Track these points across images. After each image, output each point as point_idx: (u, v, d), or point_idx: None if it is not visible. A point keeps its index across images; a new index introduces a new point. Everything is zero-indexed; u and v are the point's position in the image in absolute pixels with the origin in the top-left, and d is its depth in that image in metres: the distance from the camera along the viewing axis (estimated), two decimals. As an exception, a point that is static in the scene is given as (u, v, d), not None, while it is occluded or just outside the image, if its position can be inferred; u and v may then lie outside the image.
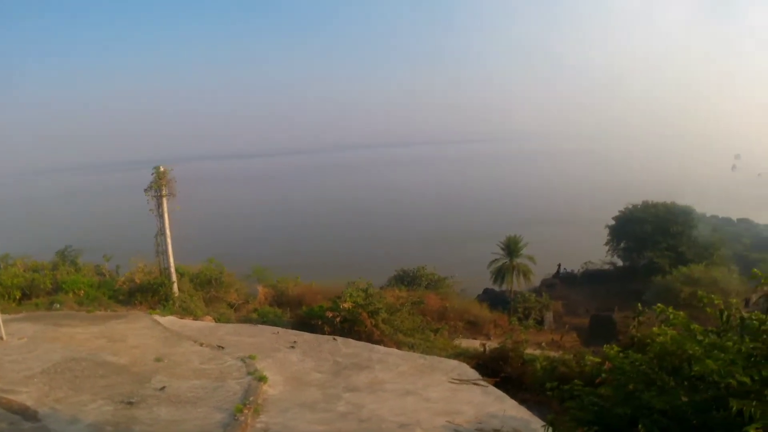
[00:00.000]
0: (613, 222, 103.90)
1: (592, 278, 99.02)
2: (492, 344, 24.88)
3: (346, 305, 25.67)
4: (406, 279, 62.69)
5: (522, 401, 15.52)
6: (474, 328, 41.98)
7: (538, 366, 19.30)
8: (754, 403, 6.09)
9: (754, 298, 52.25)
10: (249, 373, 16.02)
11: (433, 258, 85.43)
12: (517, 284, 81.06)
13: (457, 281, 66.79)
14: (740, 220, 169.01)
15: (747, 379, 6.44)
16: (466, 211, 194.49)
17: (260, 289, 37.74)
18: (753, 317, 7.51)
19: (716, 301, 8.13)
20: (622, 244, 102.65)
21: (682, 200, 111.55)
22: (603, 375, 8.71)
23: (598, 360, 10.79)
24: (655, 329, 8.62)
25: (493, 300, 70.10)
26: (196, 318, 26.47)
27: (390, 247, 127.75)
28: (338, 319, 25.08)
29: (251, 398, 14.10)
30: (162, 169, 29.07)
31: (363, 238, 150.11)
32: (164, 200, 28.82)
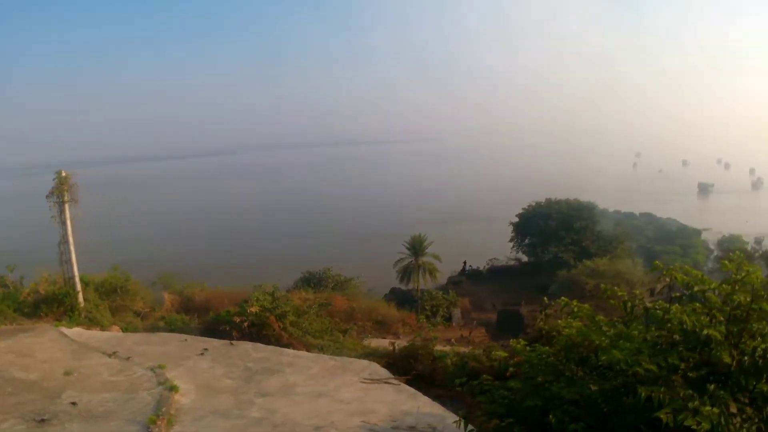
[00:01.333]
0: (517, 219, 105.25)
1: (497, 274, 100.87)
2: (401, 343, 24.91)
3: (253, 309, 25.50)
4: (312, 281, 62.98)
5: (435, 397, 15.58)
6: (383, 327, 42.09)
7: (449, 362, 19.44)
8: (662, 389, 6.26)
9: (658, 287, 53.50)
10: (160, 383, 15.78)
11: (339, 259, 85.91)
12: (423, 282, 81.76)
13: (364, 281, 67.21)
14: (642, 215, 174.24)
15: (654, 367, 6.63)
16: (372, 212, 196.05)
17: (166, 296, 37.25)
18: (657, 307, 7.71)
19: (619, 293, 8.31)
20: (526, 241, 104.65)
21: (587, 197, 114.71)
22: (511, 369, 8.84)
23: (505, 354, 10.88)
24: (560, 322, 8.79)
25: (401, 299, 70.71)
26: (103, 328, 25.92)
27: (296, 250, 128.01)
28: (246, 324, 24.92)
29: (163, 409, 13.88)
30: (64, 174, 28.31)
31: (270, 240, 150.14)
32: (66, 207, 28.07)
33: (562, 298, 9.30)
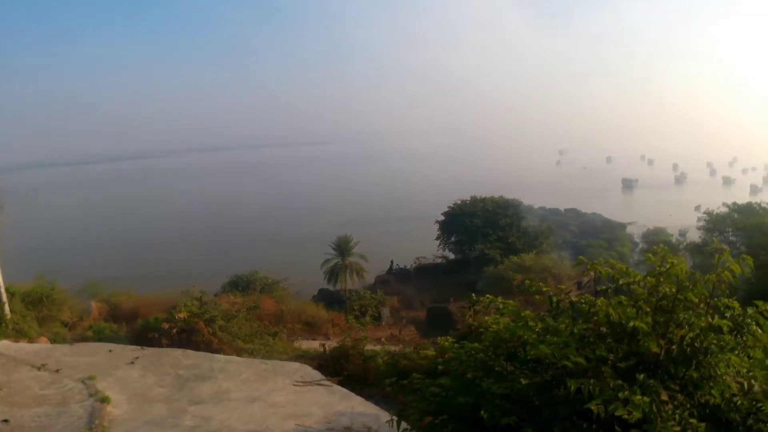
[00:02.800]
0: (442, 218, 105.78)
1: (425, 272, 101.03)
2: (332, 344, 24.93)
3: (181, 315, 25.34)
4: (240, 284, 62.48)
5: (368, 397, 15.66)
6: (312, 329, 42.03)
7: (380, 361, 19.51)
8: (592, 381, 6.38)
9: (585, 281, 54.17)
10: (91, 395, 15.59)
11: (266, 262, 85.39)
12: (351, 282, 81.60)
13: (292, 283, 67.09)
14: (568, 210, 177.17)
15: (582, 360, 6.74)
16: (298, 215, 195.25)
17: (94, 304, 36.71)
18: (582, 300, 7.85)
19: (544, 288, 8.31)
20: (452, 239, 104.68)
21: (513, 194, 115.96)
22: (440, 367, 8.88)
23: (433, 353, 10.97)
24: (488, 318, 8.83)
25: (329, 299, 70.61)
26: (30, 340, 25.45)
27: (223, 254, 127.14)
28: (175, 331, 24.75)
29: (96, 421, 13.72)
30: (-15, 178, 27.78)
31: (196, 245, 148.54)
32: (-12, 213, 27.46)
33: (488, 295, 9.36)
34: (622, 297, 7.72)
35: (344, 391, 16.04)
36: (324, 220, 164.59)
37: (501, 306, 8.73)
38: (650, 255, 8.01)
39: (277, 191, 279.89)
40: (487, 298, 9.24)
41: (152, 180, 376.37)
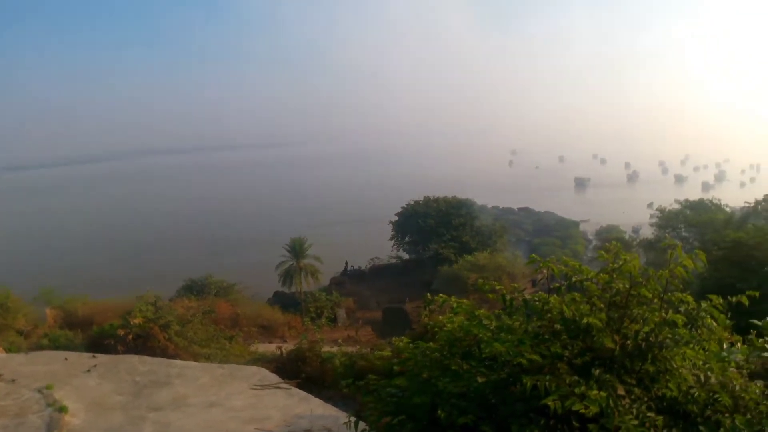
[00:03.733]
0: (396, 218, 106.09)
1: (380, 273, 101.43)
2: (288, 346, 24.97)
3: (136, 321, 25.28)
4: (195, 288, 62.36)
5: (327, 399, 15.70)
6: (268, 331, 42.12)
7: (337, 363, 19.56)
8: (548, 377, 6.43)
9: (539, 278, 54.68)
10: (48, 405, 15.42)
11: (221, 265, 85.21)
12: (306, 284, 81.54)
13: (247, 286, 67.02)
14: (521, 209, 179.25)
15: (537, 357, 6.80)
16: (252, 217, 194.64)
17: (48, 312, 36.48)
18: (536, 298, 7.89)
19: (497, 287, 8.28)
20: (406, 239, 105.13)
21: (467, 194, 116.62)
22: (395, 367, 8.75)
23: (389, 353, 11.00)
24: (441, 317, 8.86)
25: (285, 302, 70.67)
26: (-15, 351, 25.30)
27: (177, 258, 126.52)
28: (130, 337, 24.66)
29: (55, 431, 13.70)
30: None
31: (149, 249, 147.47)
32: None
33: (440, 295, 9.34)
34: (575, 294, 7.80)
35: (303, 393, 16.05)
36: (281, 222, 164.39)
37: (455, 305, 8.75)
38: (603, 252, 8.14)
39: (234, 194, 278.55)
40: (441, 297, 9.24)
41: (110, 184, 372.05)
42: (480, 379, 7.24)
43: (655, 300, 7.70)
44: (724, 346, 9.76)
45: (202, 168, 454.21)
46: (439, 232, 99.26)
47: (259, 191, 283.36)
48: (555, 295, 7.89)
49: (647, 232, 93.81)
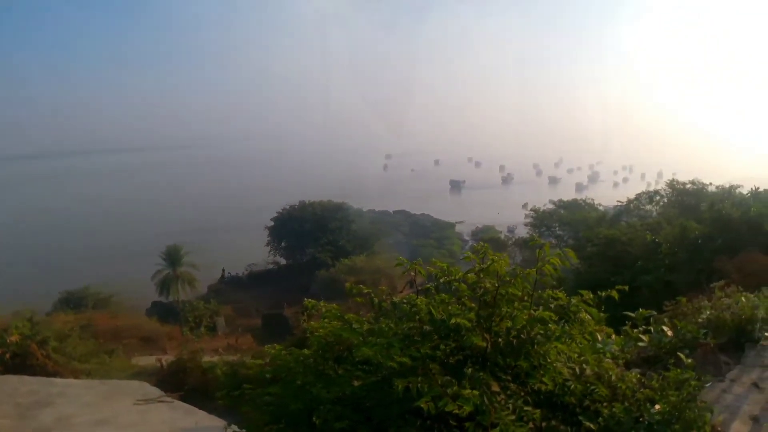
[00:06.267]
0: (272, 223, 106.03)
1: (258, 279, 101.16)
2: (169, 358, 24.79)
3: (13, 339, 24.63)
4: (72, 301, 61.11)
5: (212, 410, 15.54)
6: (149, 343, 41.44)
7: (219, 372, 19.50)
8: (419, 378, 6.46)
9: (418, 280, 55.23)
10: (-70, 437, 15.09)
11: (99, 275, 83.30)
12: (183, 293, 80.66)
13: (126, 297, 65.96)
14: (397, 212, 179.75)
15: (406, 359, 6.81)
16: (130, 224, 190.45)
17: None
18: (404, 300, 7.99)
19: (365, 290, 8.48)
20: (283, 244, 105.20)
21: (343, 198, 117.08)
22: (267, 375, 8.64)
23: (261, 361, 11.01)
24: (313, 323, 8.88)
25: (163, 312, 69.78)
26: None
27: (51, 269, 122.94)
28: (8, 356, 24.03)
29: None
30: None
31: (20, 260, 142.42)
32: None
33: (307, 300, 9.49)
34: (444, 295, 7.92)
35: (186, 406, 15.96)
36: (157, 228, 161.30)
37: (324, 309, 8.82)
38: (469, 253, 8.35)
39: (109, 199, 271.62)
40: (308, 302, 9.38)
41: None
42: (356, 383, 7.29)
43: (525, 297, 7.88)
44: (599, 338, 10.15)
45: (86, 172, 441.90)
46: (315, 236, 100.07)
47: (135, 197, 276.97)
48: (422, 297, 8.03)
49: (522, 232, 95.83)
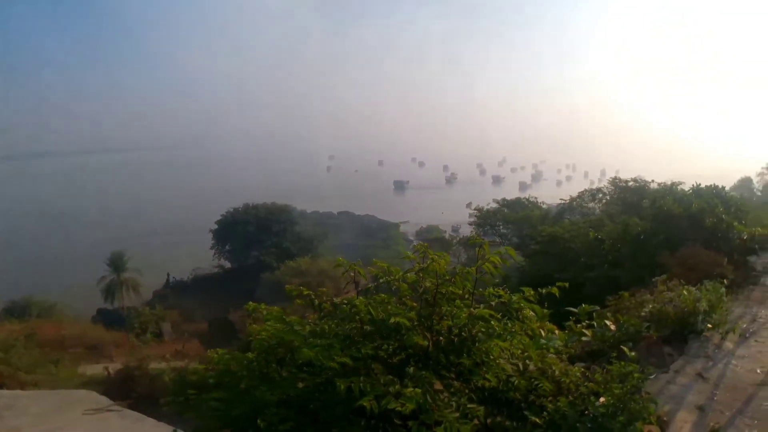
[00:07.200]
0: (216, 227, 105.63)
1: (203, 283, 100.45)
2: (116, 366, 24.64)
3: (-42, 350, 24.36)
4: (15, 311, 60.14)
5: (161, 417, 15.46)
6: (96, 351, 40.95)
7: (167, 379, 19.42)
8: (362, 378, 6.54)
9: (362, 282, 55.21)
10: None
11: (43, 283, 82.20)
12: (128, 299, 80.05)
13: (70, 305, 65.24)
14: (341, 213, 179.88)
15: (347, 359, 6.88)
16: (71, 230, 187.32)
17: None
18: (344, 301, 8.03)
19: (305, 292, 8.48)
20: (227, 247, 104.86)
21: (287, 200, 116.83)
22: (210, 380, 8.57)
23: (202, 367, 10.94)
24: (256, 326, 8.85)
25: (109, 319, 68.86)
26: None
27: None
28: (-48, 368, 23.73)
29: None
30: None
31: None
32: None
33: (249, 303, 9.35)
34: (383, 294, 8.02)
35: (135, 414, 15.88)
36: (102, 234, 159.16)
37: (265, 312, 8.77)
38: (408, 252, 8.48)
39: (52, 205, 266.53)
40: (249, 305, 9.26)
41: None
42: (300, 385, 7.31)
43: (466, 296, 8.03)
44: (543, 334, 10.32)
45: (15, 176, 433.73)
46: (260, 239, 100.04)
47: (76, 202, 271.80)
48: (361, 297, 8.12)
49: (467, 231, 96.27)
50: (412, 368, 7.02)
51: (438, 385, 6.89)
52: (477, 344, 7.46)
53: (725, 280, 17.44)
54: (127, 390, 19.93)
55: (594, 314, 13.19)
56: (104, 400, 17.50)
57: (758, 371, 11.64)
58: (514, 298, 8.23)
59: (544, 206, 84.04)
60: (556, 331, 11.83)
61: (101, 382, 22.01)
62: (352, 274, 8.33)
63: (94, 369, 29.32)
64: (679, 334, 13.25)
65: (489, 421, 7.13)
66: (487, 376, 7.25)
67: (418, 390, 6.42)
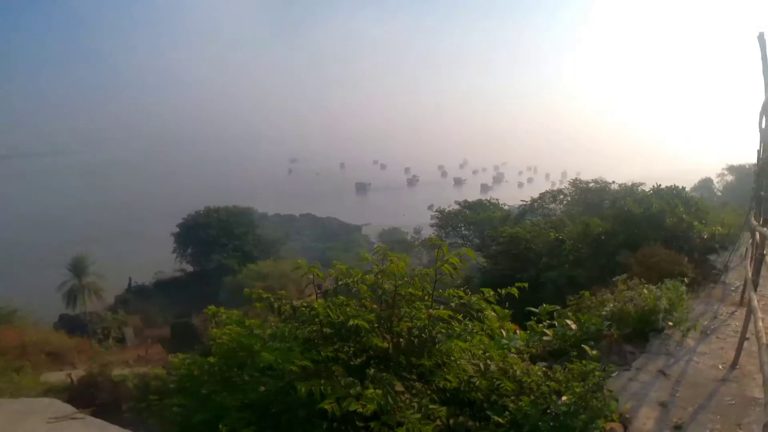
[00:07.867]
0: (177, 230, 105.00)
1: (165, 287, 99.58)
2: (79, 372, 24.45)
3: None
4: (-27, 318, 59.25)
5: (126, 424, 15.24)
6: (58, 358, 40.53)
7: (131, 385, 19.29)
8: (322, 381, 6.55)
9: (325, 284, 55.30)
10: None
11: (1, 289, 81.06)
12: (90, 304, 79.27)
13: (31, 311, 64.44)
14: (303, 216, 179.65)
15: (308, 362, 6.91)
16: (30, 233, 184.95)
17: None
18: (304, 304, 8.01)
19: (264, 295, 8.38)
20: (189, 250, 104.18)
21: (248, 203, 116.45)
22: (171, 385, 8.70)
23: (163, 372, 10.86)
24: (215, 330, 8.80)
25: (71, 325, 68.04)
26: None
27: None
28: None
29: None
30: None
31: None
32: None
33: (210, 306, 9.43)
34: (342, 297, 8.02)
35: (99, 422, 15.66)
36: (62, 238, 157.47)
37: (224, 316, 8.84)
38: (367, 254, 8.54)
39: (13, 207, 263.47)
40: (209, 309, 9.36)
41: None
42: (261, 389, 7.30)
43: (426, 297, 8.06)
44: (504, 334, 10.43)
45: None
46: (221, 242, 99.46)
47: (35, 206, 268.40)
48: (319, 300, 8.10)
49: (428, 233, 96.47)
50: (372, 370, 7.03)
51: (399, 387, 6.93)
52: (437, 345, 7.54)
53: (686, 279, 17.58)
54: (91, 397, 19.71)
55: (555, 314, 13.27)
56: (68, 408, 17.25)
57: (720, 367, 11.78)
58: (474, 298, 8.28)
59: (506, 208, 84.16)
60: (518, 331, 11.95)
61: (64, 389, 21.80)
62: (311, 276, 8.32)
63: (57, 376, 29.02)
64: (641, 332, 13.39)
65: (451, 421, 7.17)
66: (448, 377, 7.33)
67: (379, 391, 6.46)
